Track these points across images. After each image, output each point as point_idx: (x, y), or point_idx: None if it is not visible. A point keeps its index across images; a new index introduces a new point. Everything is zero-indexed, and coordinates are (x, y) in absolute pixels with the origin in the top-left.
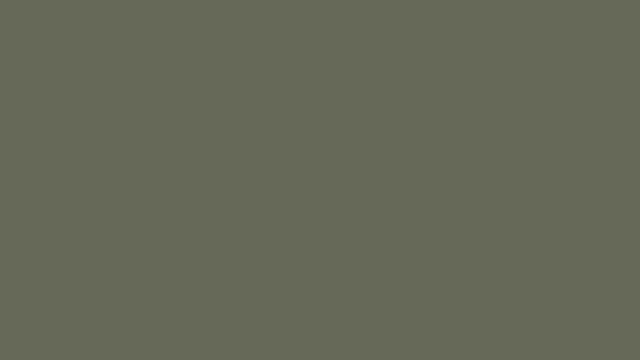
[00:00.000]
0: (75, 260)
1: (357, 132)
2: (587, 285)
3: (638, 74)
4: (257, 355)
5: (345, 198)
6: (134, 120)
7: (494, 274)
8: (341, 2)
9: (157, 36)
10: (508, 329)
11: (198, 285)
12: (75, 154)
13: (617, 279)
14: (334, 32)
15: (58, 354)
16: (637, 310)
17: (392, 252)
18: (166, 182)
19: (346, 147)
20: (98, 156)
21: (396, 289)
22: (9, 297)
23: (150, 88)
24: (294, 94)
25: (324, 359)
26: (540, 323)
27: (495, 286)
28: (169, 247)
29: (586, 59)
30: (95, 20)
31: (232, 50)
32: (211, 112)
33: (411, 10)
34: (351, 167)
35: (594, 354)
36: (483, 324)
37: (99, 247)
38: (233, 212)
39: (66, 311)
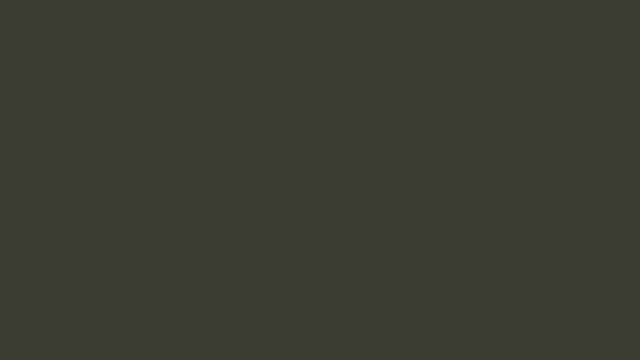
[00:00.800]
0: (75, 260)
1: (357, 132)
2: (588, 286)
3: (638, 74)
4: (257, 355)
5: (346, 199)
6: (134, 120)
7: (494, 274)
8: (341, 2)
9: (157, 36)
10: (508, 329)
11: (198, 285)
12: (76, 154)
13: (617, 279)
14: (334, 32)
15: (58, 354)
16: (637, 310)
17: (392, 253)
18: (166, 183)
19: (346, 147)
20: (98, 156)
21: (396, 289)
22: (9, 297)
23: (150, 88)
24: (294, 94)
25: (324, 359)
26: (540, 323)
27: (495, 286)
28: (168, 248)
29: (586, 59)
30: (95, 20)
31: (232, 50)
32: (211, 112)
33: (411, 10)
34: (351, 168)
35: (594, 354)
36: (483, 324)
37: (99, 247)
38: (233, 212)
39: (66, 311)
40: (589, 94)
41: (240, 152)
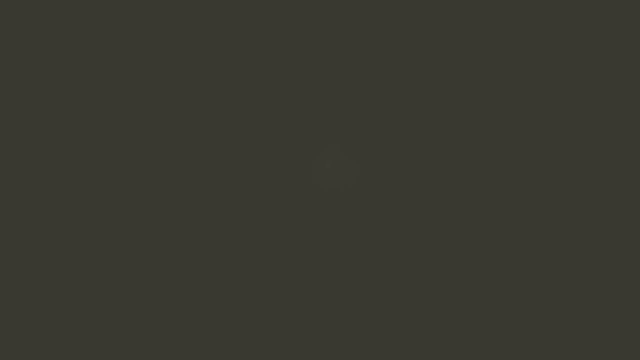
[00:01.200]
0: (75, 260)
1: (357, 132)
2: (588, 286)
3: (638, 74)
4: (257, 355)
5: (345, 198)
6: (134, 120)
7: (495, 275)
8: (341, 2)
9: (157, 36)
10: (508, 329)
11: (198, 285)
12: (75, 154)
13: (617, 279)
14: (334, 32)
15: (58, 354)
16: (637, 310)
17: (392, 253)
18: (166, 182)
19: (346, 147)
20: (98, 156)
21: (396, 290)
22: (9, 297)
23: (150, 88)
24: (294, 93)
25: (324, 359)
26: (540, 323)
27: (495, 287)
28: (168, 248)
29: (586, 59)
30: (95, 20)
31: (232, 50)
32: (211, 112)
33: (411, 10)
34: (351, 168)
35: (594, 354)
36: (483, 324)
37: (99, 247)
38: (233, 212)
39: (66, 311)
40: (589, 94)
41: (240, 152)
